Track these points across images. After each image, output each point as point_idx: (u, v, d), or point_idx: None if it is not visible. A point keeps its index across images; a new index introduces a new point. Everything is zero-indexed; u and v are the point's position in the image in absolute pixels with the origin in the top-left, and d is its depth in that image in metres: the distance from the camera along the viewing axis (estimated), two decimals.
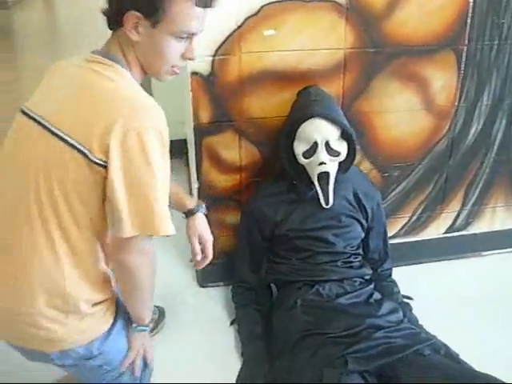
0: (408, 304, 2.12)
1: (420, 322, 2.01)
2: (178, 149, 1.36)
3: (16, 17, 7.78)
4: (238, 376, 1.87)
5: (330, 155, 1.89)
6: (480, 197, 2.45)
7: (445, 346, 1.77)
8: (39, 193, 1.26)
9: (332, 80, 2.06)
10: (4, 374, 1.84)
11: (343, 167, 1.96)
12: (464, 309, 2.21)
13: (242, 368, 1.89)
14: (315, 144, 1.88)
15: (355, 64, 2.06)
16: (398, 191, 2.35)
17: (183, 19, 1.27)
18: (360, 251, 2.06)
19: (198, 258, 1.72)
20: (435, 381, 1.56)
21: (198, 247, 1.70)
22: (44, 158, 1.26)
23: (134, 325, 1.50)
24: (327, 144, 1.88)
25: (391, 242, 2.24)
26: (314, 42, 1.98)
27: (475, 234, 2.53)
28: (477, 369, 1.63)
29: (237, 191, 2.18)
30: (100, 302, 1.39)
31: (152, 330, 1.73)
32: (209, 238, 1.72)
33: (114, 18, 1.29)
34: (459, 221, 2.49)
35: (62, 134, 1.24)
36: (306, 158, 1.91)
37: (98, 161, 1.22)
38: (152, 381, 1.69)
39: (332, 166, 1.91)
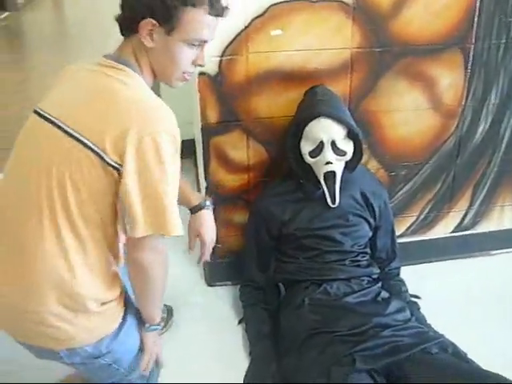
0: (416, 303, 2.11)
1: (428, 321, 2.00)
2: (186, 149, 1.38)
3: (25, 18, 7.83)
4: (246, 375, 1.88)
5: (337, 154, 1.90)
6: (488, 196, 2.45)
7: (452, 344, 1.76)
8: (51, 191, 1.28)
9: (339, 79, 2.06)
10: (7, 374, 1.86)
11: (350, 167, 1.96)
12: (472, 308, 2.21)
13: (249, 367, 1.90)
14: (321, 143, 1.88)
15: (362, 63, 2.06)
16: (405, 190, 2.35)
17: (196, 27, 1.32)
18: (368, 250, 2.07)
19: (191, 252, 1.79)
20: (443, 379, 1.57)
21: (192, 243, 1.75)
22: (58, 157, 1.28)
23: (146, 325, 1.53)
24: (333, 143, 1.88)
25: (399, 241, 2.24)
26: (320, 41, 1.98)
27: (483, 233, 2.53)
28: (484, 368, 1.63)
29: (245, 191, 2.19)
30: (109, 302, 1.41)
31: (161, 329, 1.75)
32: (206, 239, 1.74)
33: (129, 25, 1.33)
34: (467, 220, 2.49)
35: (77, 135, 1.27)
36: (312, 157, 1.91)
37: (112, 163, 1.25)
38: (160, 379, 1.70)
39: (338, 166, 1.92)
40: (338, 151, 1.90)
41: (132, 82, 1.33)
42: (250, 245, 2.11)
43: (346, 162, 1.95)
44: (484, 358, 1.70)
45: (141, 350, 1.55)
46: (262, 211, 2.05)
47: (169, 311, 2.14)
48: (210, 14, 1.33)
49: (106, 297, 1.40)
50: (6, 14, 7.66)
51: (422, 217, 2.43)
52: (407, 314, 1.86)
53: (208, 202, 1.77)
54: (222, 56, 1.93)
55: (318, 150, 1.90)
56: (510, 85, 2.24)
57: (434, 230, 2.47)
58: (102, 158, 1.25)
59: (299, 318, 1.85)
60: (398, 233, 2.29)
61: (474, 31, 2.10)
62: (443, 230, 2.48)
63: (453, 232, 2.50)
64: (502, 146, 2.36)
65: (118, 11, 1.37)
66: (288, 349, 1.82)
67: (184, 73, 1.41)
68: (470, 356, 1.74)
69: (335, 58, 2.02)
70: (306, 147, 1.92)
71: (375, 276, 2.04)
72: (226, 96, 2.00)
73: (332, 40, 1.99)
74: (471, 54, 2.14)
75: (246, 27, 1.91)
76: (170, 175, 1.28)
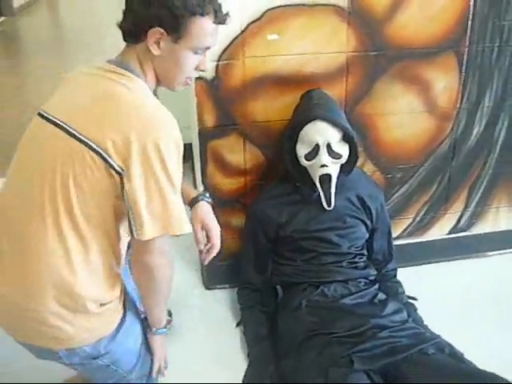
0: (413, 304, 2.13)
1: (425, 322, 2.02)
2: (184, 153, 1.41)
3: (21, 23, 7.84)
4: (245, 376, 1.89)
5: (332, 157, 1.91)
6: (483, 197, 2.47)
7: (449, 345, 1.78)
8: (54, 191, 1.30)
9: (335, 83, 2.08)
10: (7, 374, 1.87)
11: (345, 170, 1.98)
12: (468, 309, 2.22)
13: (248, 368, 1.92)
14: (317, 146, 1.90)
15: (358, 67, 2.08)
16: (401, 192, 2.37)
17: (202, 35, 1.36)
18: (364, 252, 2.08)
19: (201, 246, 1.71)
20: (440, 380, 1.58)
21: (200, 234, 1.70)
22: (61, 158, 1.30)
23: (153, 329, 1.57)
24: (329, 146, 1.90)
25: (395, 243, 2.25)
26: (316, 46, 2.00)
27: (479, 235, 2.54)
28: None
29: (242, 194, 2.20)
30: (108, 303, 1.42)
31: None
32: (213, 226, 1.70)
33: (136, 33, 1.36)
34: (463, 221, 2.50)
35: (81, 137, 1.29)
36: (307, 160, 1.93)
37: (115, 166, 1.27)
38: (159, 381, 1.71)
39: (334, 169, 1.94)
40: (333, 154, 1.91)
41: (135, 86, 1.35)
42: (248, 247, 2.13)
43: (342, 165, 1.96)
44: (480, 358, 1.71)
45: (140, 354, 1.56)
46: (259, 214, 2.06)
47: (167, 314, 2.14)
48: (214, 22, 1.38)
49: (105, 298, 1.41)
50: (2, 18, 7.67)
51: (418, 219, 2.44)
52: (404, 315, 1.87)
53: (207, 195, 1.75)
54: (218, 60, 1.94)
55: (314, 152, 1.91)
56: (503, 87, 2.26)
57: (430, 231, 2.49)
58: (105, 159, 1.27)
59: (297, 319, 1.86)
60: (394, 235, 2.30)
61: (468, 35, 2.12)
62: (439, 231, 2.50)
63: (449, 234, 2.51)
64: (496, 148, 2.38)
65: (113, 16, 1.39)
66: (286, 350, 1.83)
67: (187, 78, 1.45)
68: (466, 357, 1.75)
69: (331, 62, 2.04)
70: (301, 150, 1.94)
71: (372, 278, 2.05)
72: (222, 100, 2.02)
73: (328, 44, 2.01)
74: (465, 57, 2.15)
75: (243, 32, 1.92)
76: (174, 178, 1.31)
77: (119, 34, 1.41)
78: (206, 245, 1.71)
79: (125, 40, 1.41)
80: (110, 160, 1.27)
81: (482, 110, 2.28)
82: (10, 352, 1.57)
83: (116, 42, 1.44)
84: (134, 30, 1.36)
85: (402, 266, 2.29)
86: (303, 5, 1.93)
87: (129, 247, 1.57)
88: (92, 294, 1.37)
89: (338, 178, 1.96)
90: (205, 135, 2.07)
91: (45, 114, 1.38)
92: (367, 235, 2.08)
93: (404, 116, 2.21)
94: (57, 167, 1.30)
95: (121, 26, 1.39)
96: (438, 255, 2.52)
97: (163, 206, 1.30)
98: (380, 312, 1.84)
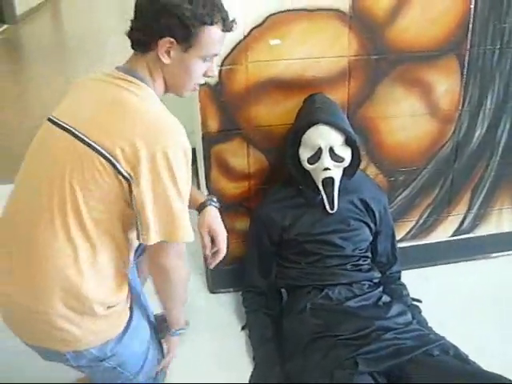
0: (417, 306, 2.13)
1: (429, 324, 2.02)
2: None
3: (23, 31, 7.87)
4: (251, 378, 1.90)
5: (334, 161, 1.92)
6: (486, 199, 2.47)
7: (454, 347, 1.78)
8: (63, 193, 1.31)
9: (337, 87, 2.09)
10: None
11: (348, 173, 1.99)
12: (473, 310, 2.22)
13: (253, 371, 1.92)
14: (319, 150, 1.91)
15: (359, 71, 2.09)
16: (404, 195, 2.37)
17: (211, 43, 1.39)
18: (369, 254, 2.09)
19: (207, 251, 1.72)
20: (446, 381, 1.58)
21: (207, 239, 1.71)
22: (70, 162, 1.32)
23: (172, 330, 1.63)
24: (331, 150, 1.91)
25: (399, 245, 2.26)
26: (318, 50, 2.01)
27: (482, 237, 2.55)
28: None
29: (246, 198, 2.21)
30: (115, 305, 1.43)
31: (163, 337, 1.77)
32: (220, 231, 1.72)
33: (146, 43, 1.38)
34: (466, 223, 2.51)
35: (90, 142, 1.30)
36: (310, 163, 1.94)
37: (124, 172, 1.30)
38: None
39: (336, 172, 1.95)
40: (335, 157, 1.92)
41: (144, 94, 1.37)
42: (252, 251, 2.14)
43: (345, 169, 1.97)
44: (484, 360, 1.72)
45: (147, 356, 1.57)
46: (263, 218, 2.07)
47: None
48: (222, 30, 1.40)
49: (112, 300, 1.42)
50: (5, 26, 7.70)
51: (422, 221, 2.45)
52: (408, 317, 1.88)
53: (215, 199, 1.76)
54: (221, 66, 1.96)
55: (317, 156, 1.92)
56: (505, 89, 2.27)
57: (433, 234, 2.49)
58: (114, 165, 1.29)
59: (302, 322, 1.87)
60: (398, 237, 2.30)
61: (469, 37, 2.13)
62: (443, 233, 2.50)
63: (452, 236, 2.52)
64: (498, 150, 2.38)
65: (114, 24, 1.41)
66: (291, 353, 1.84)
67: (195, 84, 1.48)
68: (470, 358, 1.75)
69: (333, 66, 2.05)
70: (304, 154, 1.95)
71: (376, 280, 2.05)
72: (226, 105, 2.03)
73: (330, 48, 2.02)
74: (467, 59, 2.16)
75: (245, 37, 1.94)
76: (182, 186, 1.34)
77: (120, 41, 1.43)
78: (212, 249, 1.72)
79: (133, 48, 1.43)
80: (118, 166, 1.29)
81: (484, 112, 2.29)
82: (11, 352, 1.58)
83: (116, 49, 1.45)
84: (144, 39, 1.38)
85: (406, 269, 2.29)
86: (305, 10, 1.94)
87: (137, 250, 1.60)
88: (99, 297, 1.38)
89: (340, 181, 1.97)
90: (208, 140, 2.09)
91: (54, 119, 1.40)
92: (371, 238, 2.09)
93: (406, 119, 2.22)
94: (66, 172, 1.31)
95: (130, 35, 1.41)
96: (441, 257, 2.52)
97: (168, 214, 1.33)
98: (384, 314, 1.85)
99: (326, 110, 1.94)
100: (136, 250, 1.62)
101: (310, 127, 1.91)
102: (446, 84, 2.19)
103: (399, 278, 2.22)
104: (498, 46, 2.18)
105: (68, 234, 1.32)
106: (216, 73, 1.53)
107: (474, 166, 2.39)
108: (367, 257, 2.07)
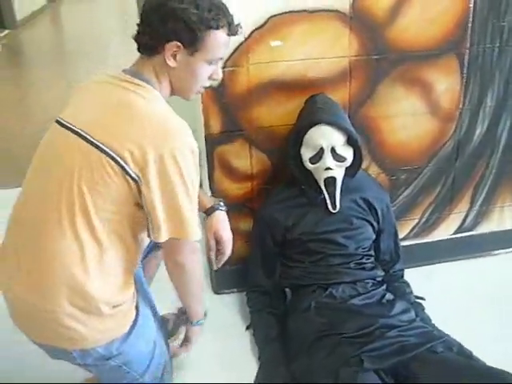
0: (420, 304, 2.14)
1: (432, 322, 2.03)
2: None
3: (23, 36, 7.90)
4: (256, 377, 1.91)
5: (336, 160, 1.94)
6: (487, 197, 2.48)
7: (458, 343, 1.79)
8: (71, 194, 1.33)
9: (338, 87, 2.10)
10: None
11: (350, 172, 2.00)
12: (475, 308, 2.23)
13: (259, 370, 1.93)
14: (321, 150, 1.92)
15: (360, 71, 2.10)
16: (406, 194, 2.38)
17: (217, 47, 1.42)
18: (372, 252, 2.10)
19: (211, 254, 1.79)
20: (451, 377, 1.59)
21: (212, 242, 1.77)
22: (79, 163, 1.34)
23: (193, 322, 1.71)
24: (333, 150, 1.92)
25: (402, 244, 2.27)
26: (319, 51, 2.03)
27: (484, 234, 2.56)
28: None
29: (249, 198, 2.23)
30: (121, 304, 1.45)
31: (170, 337, 1.78)
32: (224, 234, 1.76)
33: (153, 47, 1.40)
34: (468, 221, 2.52)
35: (98, 143, 1.33)
36: (312, 163, 1.96)
37: (132, 174, 1.32)
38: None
39: (338, 172, 1.96)
40: (337, 157, 1.94)
41: (150, 96, 1.39)
42: (256, 251, 2.15)
43: (347, 168, 1.99)
44: (488, 357, 1.72)
45: (153, 356, 1.59)
46: (266, 218, 2.09)
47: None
48: (228, 34, 1.43)
49: (118, 299, 1.44)
50: (6, 32, 7.73)
51: (424, 219, 2.46)
52: (412, 314, 1.89)
53: (222, 203, 1.81)
54: (223, 67, 1.96)
55: (318, 156, 1.94)
56: (505, 87, 2.28)
57: (436, 232, 2.50)
58: (122, 167, 1.31)
59: (306, 321, 1.88)
60: (400, 236, 2.31)
61: (468, 36, 2.14)
62: (445, 231, 2.51)
63: (454, 234, 2.53)
64: (499, 148, 2.39)
65: (114, 25, 1.43)
66: (296, 352, 1.85)
67: (201, 87, 1.50)
68: (474, 355, 1.76)
69: (334, 67, 2.07)
70: (306, 154, 1.96)
71: (380, 278, 2.06)
72: (228, 106, 2.04)
73: (330, 49, 2.03)
74: (466, 58, 2.18)
75: (247, 39, 1.95)
76: (190, 186, 1.37)
77: (122, 43, 1.45)
78: (217, 252, 1.78)
79: (140, 52, 1.45)
80: (127, 168, 1.31)
81: (485, 110, 2.30)
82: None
83: (119, 51, 1.47)
84: (150, 43, 1.40)
85: (409, 267, 2.30)
86: (305, 11, 1.96)
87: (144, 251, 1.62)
88: (105, 296, 1.39)
89: (342, 180, 1.98)
90: (211, 141, 2.10)
91: (62, 122, 1.42)
92: (374, 236, 2.10)
93: (407, 118, 2.23)
94: (74, 172, 1.33)
95: (137, 38, 1.43)
96: (444, 255, 2.53)
97: (177, 212, 1.36)
98: (388, 312, 1.86)
99: (328, 110, 1.96)
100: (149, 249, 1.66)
101: (311, 127, 1.93)
102: (446, 83, 2.20)
103: (402, 276, 2.22)
104: (498, 45, 2.19)
105: (75, 233, 1.34)
106: (221, 76, 1.56)
107: (475, 164, 2.40)
108: (370, 255, 2.08)
